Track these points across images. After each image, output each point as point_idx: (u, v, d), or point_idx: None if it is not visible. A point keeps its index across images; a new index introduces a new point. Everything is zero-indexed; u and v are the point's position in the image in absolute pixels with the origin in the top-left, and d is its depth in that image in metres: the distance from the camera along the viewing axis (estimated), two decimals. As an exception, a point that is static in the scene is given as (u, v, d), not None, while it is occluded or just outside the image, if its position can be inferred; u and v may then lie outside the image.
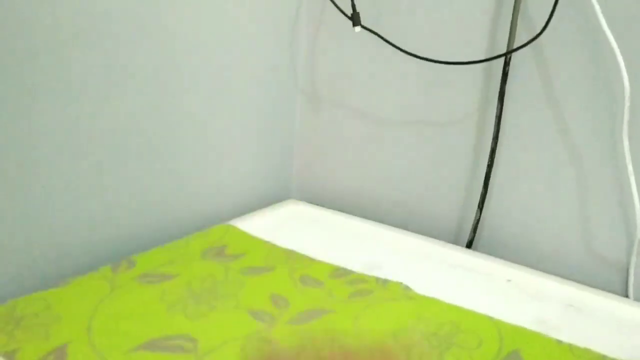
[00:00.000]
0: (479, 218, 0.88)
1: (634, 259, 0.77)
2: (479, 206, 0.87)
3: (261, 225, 0.90)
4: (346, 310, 0.65)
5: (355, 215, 1.00)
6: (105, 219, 0.76)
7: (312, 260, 0.77)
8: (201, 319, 0.61)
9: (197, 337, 0.58)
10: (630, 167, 0.74)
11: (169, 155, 0.83)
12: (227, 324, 0.60)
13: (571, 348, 0.60)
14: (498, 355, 0.58)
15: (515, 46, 0.80)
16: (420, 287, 0.73)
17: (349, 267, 0.77)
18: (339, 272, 0.75)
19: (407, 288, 0.71)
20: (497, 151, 0.86)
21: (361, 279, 0.73)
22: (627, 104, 0.72)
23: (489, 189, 0.87)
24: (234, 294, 0.67)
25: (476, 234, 0.89)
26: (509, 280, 0.78)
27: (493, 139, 0.85)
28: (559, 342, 0.61)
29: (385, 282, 0.72)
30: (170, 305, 0.63)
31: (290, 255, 0.78)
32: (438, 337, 0.60)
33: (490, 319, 0.65)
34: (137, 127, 0.77)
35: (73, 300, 0.62)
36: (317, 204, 1.04)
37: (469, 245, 0.89)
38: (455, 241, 0.92)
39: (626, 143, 0.73)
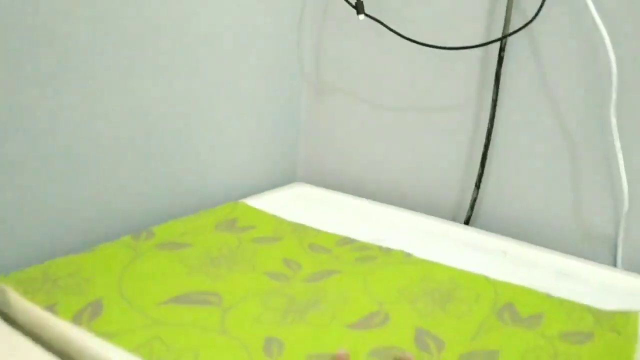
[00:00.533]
0: (477, 196, 0.93)
1: (621, 232, 0.82)
2: (476, 185, 0.93)
3: (268, 203, 0.95)
4: (354, 272, 0.70)
5: (359, 196, 1.05)
6: (126, 195, 0.81)
7: (318, 231, 0.82)
8: (222, 279, 0.66)
9: (221, 293, 0.63)
10: (617, 144, 0.79)
11: (182, 142, 0.88)
12: (246, 283, 0.65)
13: (560, 301, 0.65)
14: (494, 307, 0.64)
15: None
16: (421, 256, 0.78)
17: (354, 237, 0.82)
18: (345, 241, 0.80)
19: (408, 255, 0.76)
20: (493, 132, 0.91)
21: (365, 246, 0.78)
22: (614, 84, 0.77)
23: (485, 169, 0.92)
24: (249, 260, 0.72)
25: (474, 212, 0.94)
26: (504, 252, 0.83)
27: (489, 120, 0.90)
28: (549, 295, 0.66)
29: (388, 249, 0.78)
30: (191, 268, 0.68)
31: (297, 228, 0.83)
32: (440, 293, 0.66)
33: (487, 278, 0.70)
34: (153, 115, 0.82)
35: (101, 264, 0.67)
36: (322, 187, 1.09)
37: (467, 222, 0.94)
38: (453, 219, 0.98)
39: (614, 121, 0.79)
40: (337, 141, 1.09)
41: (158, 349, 0.52)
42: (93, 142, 0.75)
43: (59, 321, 0.55)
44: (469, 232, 0.88)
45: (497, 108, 0.90)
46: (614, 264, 0.84)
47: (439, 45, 0.92)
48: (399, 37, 0.95)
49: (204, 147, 0.92)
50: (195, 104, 0.89)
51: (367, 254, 0.76)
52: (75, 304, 0.59)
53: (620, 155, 0.80)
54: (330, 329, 0.57)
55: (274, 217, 0.87)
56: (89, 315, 0.57)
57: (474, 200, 0.93)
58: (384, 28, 0.96)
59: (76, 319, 0.56)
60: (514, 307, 0.64)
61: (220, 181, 0.97)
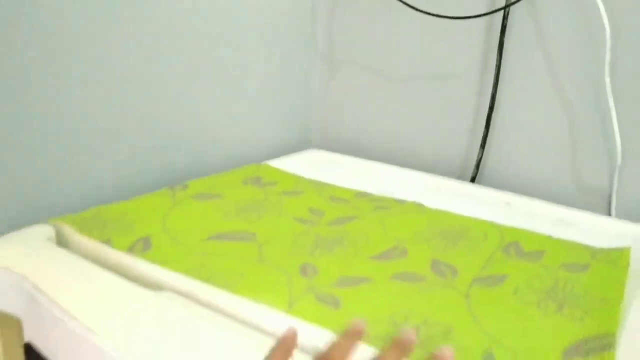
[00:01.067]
0: (482, 156, 1.00)
1: (615, 184, 0.89)
2: (481, 145, 1.00)
3: (287, 165, 1.02)
4: (372, 218, 0.77)
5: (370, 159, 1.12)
6: (163, 154, 0.88)
7: (335, 187, 0.89)
8: (254, 222, 0.73)
9: (255, 232, 0.70)
10: (611, 103, 0.86)
11: (203, 113, 0.95)
12: (277, 226, 0.72)
13: (560, 240, 0.73)
14: (500, 244, 0.71)
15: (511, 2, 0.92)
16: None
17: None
18: (361, 194, 0.87)
19: (421, 205, 0.83)
20: (497, 96, 0.98)
21: (380, 198, 0.85)
22: (608, 47, 0.84)
23: (490, 130, 0.99)
24: (277, 208, 0.79)
25: (479, 170, 1.01)
26: (508, 204, 0.90)
27: (493, 85, 0.97)
28: (550, 236, 0.73)
29: (402, 200, 0.85)
30: (225, 214, 0.75)
31: (316, 183, 0.90)
32: (451, 234, 0.73)
33: (493, 223, 0.77)
34: (185, 91, 0.90)
35: (144, 209, 0.74)
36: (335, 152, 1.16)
37: (473, 180, 1.01)
38: (460, 177, 1.05)
39: (607, 81, 0.86)
40: (348, 110, 1.16)
41: (205, 273, 0.59)
42: (129, 116, 0.82)
43: (115, 252, 0.63)
44: (475, 188, 0.95)
45: (501, 73, 0.97)
46: (609, 214, 0.91)
47: (446, 15, 0.98)
48: (407, 9, 1.01)
49: (226, 118, 0.99)
50: (215, 79, 0.96)
51: (382, 204, 0.83)
52: (126, 239, 0.66)
53: (613, 113, 0.87)
54: (355, 260, 0.64)
55: (294, 175, 0.94)
56: (140, 248, 0.64)
57: (479, 159, 1.00)
58: (393, 1, 1.02)
59: (130, 251, 0.63)
60: (519, 244, 0.71)
61: (239, 149, 1.04)
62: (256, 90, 1.05)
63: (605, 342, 0.49)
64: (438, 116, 1.05)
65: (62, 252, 0.61)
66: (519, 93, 0.96)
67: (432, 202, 0.87)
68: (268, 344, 0.46)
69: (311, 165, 1.04)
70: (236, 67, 0.99)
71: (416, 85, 1.06)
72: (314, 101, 1.21)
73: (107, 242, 0.65)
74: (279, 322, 0.51)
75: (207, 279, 0.57)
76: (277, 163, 1.02)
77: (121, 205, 0.75)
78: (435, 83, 1.04)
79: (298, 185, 0.89)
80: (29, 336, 0.58)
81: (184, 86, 0.90)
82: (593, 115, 0.89)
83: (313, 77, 1.19)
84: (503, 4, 0.94)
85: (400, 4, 1.02)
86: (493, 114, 0.98)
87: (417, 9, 0.99)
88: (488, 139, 1.00)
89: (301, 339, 0.48)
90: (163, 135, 0.89)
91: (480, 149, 1.00)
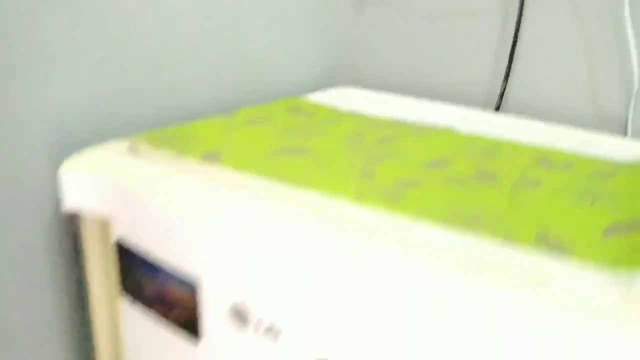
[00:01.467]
0: (505, 87, 1.07)
1: (631, 110, 0.96)
2: (505, 77, 1.06)
3: (319, 100, 1.08)
4: (410, 138, 0.84)
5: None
6: (214, 81, 0.95)
7: (372, 116, 0.96)
8: (305, 140, 0.80)
9: (309, 147, 0.77)
10: (629, 32, 0.93)
11: (236, 52, 1.01)
12: (327, 144, 0.79)
13: (586, 155, 0.80)
14: (533, 158, 0.78)
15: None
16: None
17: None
18: (396, 122, 0.93)
19: (454, 129, 0.90)
20: (520, 30, 1.04)
21: (415, 124, 0.92)
22: (629, -22, 0.90)
23: (513, 62, 1.06)
24: (323, 132, 0.85)
25: (502, 100, 1.08)
26: (532, 129, 0.96)
27: (517, 20, 1.03)
28: (576, 153, 0.81)
29: (435, 125, 0.91)
30: (278, 135, 0.82)
31: (353, 113, 0.97)
32: (486, 151, 0.80)
33: (524, 143, 0.84)
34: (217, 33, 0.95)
35: (206, 130, 0.81)
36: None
37: (497, 109, 1.08)
38: (484, 108, 1.11)
39: (627, 10, 0.92)
40: (374, 46, 1.22)
41: (276, 174, 0.66)
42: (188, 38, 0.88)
43: (190, 162, 0.69)
44: (500, 116, 1.01)
45: (524, 9, 1.03)
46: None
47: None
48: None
49: (253, 56, 1.05)
50: (236, 17, 1.01)
51: (418, 128, 0.90)
52: (197, 152, 0.72)
53: (632, 43, 0.93)
54: (406, 167, 0.71)
55: (329, 106, 1.00)
56: (211, 159, 0.70)
57: (503, 90, 1.07)
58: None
59: (204, 161, 0.70)
60: (550, 158, 0.78)
61: (268, 87, 1.10)
62: (280, 27, 1.10)
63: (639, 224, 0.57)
64: (463, 50, 1.11)
65: (142, 160, 0.67)
66: (541, 28, 1.02)
67: (462, 128, 0.94)
68: (341, 228, 0.53)
69: (341, 100, 1.10)
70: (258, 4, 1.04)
71: (441, 21, 1.12)
72: (340, 38, 1.26)
73: (181, 154, 0.71)
74: (350, 210, 0.58)
75: (278, 181, 0.64)
76: (310, 97, 1.08)
77: (185, 126, 0.81)
78: (460, 20, 1.10)
79: (337, 115, 0.95)
80: (119, 235, 0.65)
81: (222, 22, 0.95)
82: (612, 46, 0.96)
83: (339, 14, 1.24)
84: (527, -60, 0.99)
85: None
86: (516, 48, 1.04)
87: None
88: (512, 70, 1.06)
89: (370, 225, 0.55)
90: (191, 70, 0.94)
91: (503, 81, 1.06)
